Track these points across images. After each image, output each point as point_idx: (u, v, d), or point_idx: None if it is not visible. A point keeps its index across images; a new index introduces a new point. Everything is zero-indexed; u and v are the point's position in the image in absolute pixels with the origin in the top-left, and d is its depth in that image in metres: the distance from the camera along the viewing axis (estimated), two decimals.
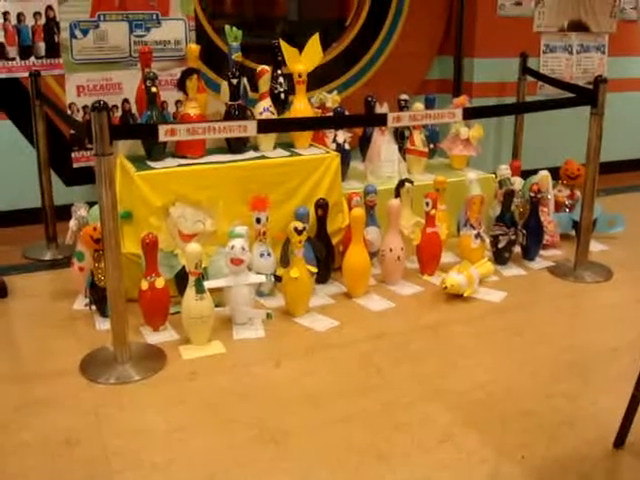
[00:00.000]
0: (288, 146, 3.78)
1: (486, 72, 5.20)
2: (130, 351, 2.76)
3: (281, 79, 3.87)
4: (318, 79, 4.41)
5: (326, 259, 3.48)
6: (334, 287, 3.56)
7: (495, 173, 4.14)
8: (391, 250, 3.51)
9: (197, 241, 3.09)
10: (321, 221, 3.47)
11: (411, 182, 3.79)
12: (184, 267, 3.02)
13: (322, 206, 3.45)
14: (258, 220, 3.29)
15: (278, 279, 3.31)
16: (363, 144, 4.27)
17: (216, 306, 2.98)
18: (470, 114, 3.56)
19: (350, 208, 3.59)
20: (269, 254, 3.34)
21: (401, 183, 3.78)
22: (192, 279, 2.86)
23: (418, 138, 4.23)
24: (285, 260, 3.32)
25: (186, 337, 2.97)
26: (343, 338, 3.03)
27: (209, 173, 3.38)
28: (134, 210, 3.25)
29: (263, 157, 3.60)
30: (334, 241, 3.58)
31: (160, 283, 2.96)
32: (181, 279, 3.09)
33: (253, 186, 3.38)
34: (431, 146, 4.38)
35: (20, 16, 4.09)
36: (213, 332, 3.00)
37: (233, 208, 3.32)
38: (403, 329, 3.12)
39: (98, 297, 3.06)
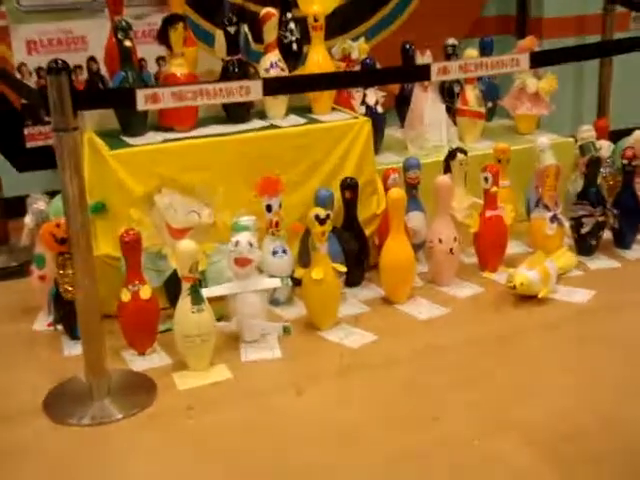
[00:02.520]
0: (304, 111, 3.78)
1: (560, 3, 5.17)
2: (109, 382, 2.76)
3: (292, 25, 3.86)
4: (340, 24, 4.40)
5: (358, 255, 3.48)
6: (369, 291, 3.56)
7: (575, 136, 4.11)
8: (441, 241, 3.50)
9: (191, 237, 3.09)
10: (349, 206, 3.47)
11: (464, 152, 3.75)
12: (175, 271, 3.03)
13: (350, 187, 3.43)
14: (269, 208, 3.31)
15: (297, 283, 3.34)
16: (401, 105, 4.25)
17: (218, 320, 3.02)
18: (539, 60, 3.52)
19: (386, 189, 3.59)
20: (284, 251, 3.36)
21: (451, 154, 3.75)
22: (186, 286, 2.87)
23: (472, 95, 4.23)
24: (305, 258, 3.35)
25: (181, 361, 2.96)
26: (383, 356, 3.03)
27: (203, 150, 3.39)
28: (109, 200, 3.26)
29: (272, 127, 3.60)
30: (367, 232, 3.58)
31: (146, 293, 2.98)
32: (172, 287, 3.11)
33: (261, 164, 3.38)
34: (489, 105, 4.35)
35: None
36: (216, 353, 3.00)
37: (236, 193, 3.33)
38: (459, 342, 3.11)
39: (65, 313, 3.05)
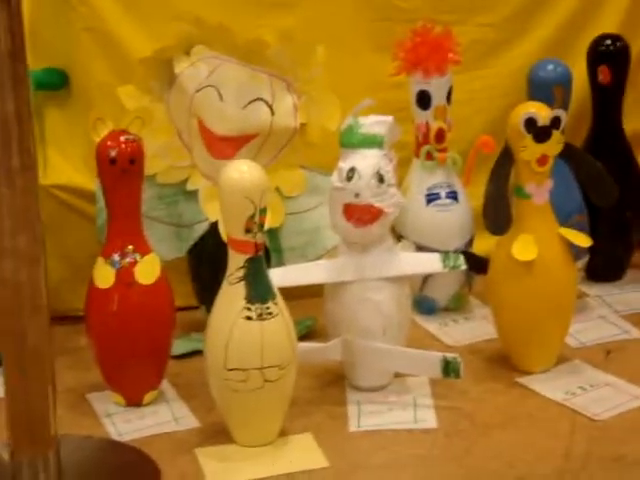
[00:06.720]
0: None
1: None
2: (59, 465, 1.82)
3: None
4: None
5: (619, 211, 2.40)
6: None
7: None
8: None
9: (252, 156, 2.17)
10: (606, 102, 2.44)
11: None
12: (215, 229, 2.21)
13: (611, 57, 2.43)
14: (424, 99, 2.35)
15: (477, 266, 2.33)
16: None
17: (302, 337, 2.15)
18: None
19: None
20: (453, 195, 2.42)
21: None
22: (238, 262, 1.92)
23: None
24: (498, 214, 2.30)
25: (218, 424, 1.98)
26: None
27: None
28: (72, 68, 2.33)
29: None
30: None
31: (148, 272, 2.09)
32: (206, 263, 2.27)
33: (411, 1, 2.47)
34: None
35: None
36: (296, 410, 2.00)
37: (355, 63, 2.42)
38: None
39: None
